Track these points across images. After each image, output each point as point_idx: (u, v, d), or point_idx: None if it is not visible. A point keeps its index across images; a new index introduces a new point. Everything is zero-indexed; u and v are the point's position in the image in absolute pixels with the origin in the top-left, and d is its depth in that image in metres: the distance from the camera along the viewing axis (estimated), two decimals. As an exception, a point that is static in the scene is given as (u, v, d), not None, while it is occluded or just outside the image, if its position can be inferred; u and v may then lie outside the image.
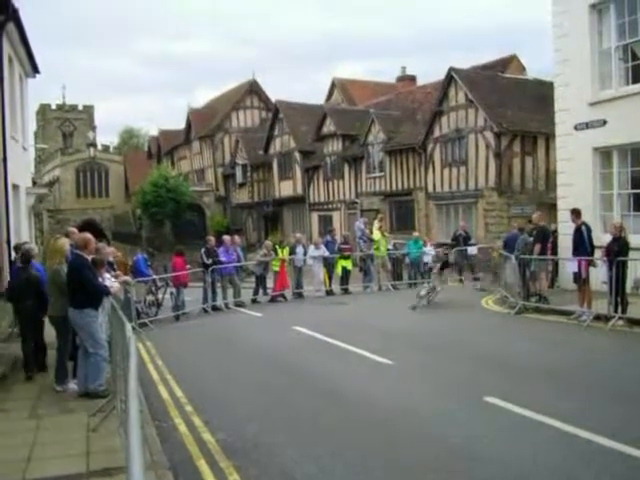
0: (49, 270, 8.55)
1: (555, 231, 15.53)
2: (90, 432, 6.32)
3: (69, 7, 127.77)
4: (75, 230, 10.24)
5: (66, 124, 70.47)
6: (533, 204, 23.83)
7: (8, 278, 13.18)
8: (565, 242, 14.03)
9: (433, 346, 10.76)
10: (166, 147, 56.61)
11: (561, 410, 6.42)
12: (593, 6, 14.72)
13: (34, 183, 26.42)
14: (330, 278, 19.85)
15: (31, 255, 9.52)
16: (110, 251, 12.06)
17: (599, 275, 11.99)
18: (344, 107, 39.03)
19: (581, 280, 12.15)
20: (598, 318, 11.68)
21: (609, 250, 11.50)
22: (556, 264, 15.25)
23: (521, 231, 16.10)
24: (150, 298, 16.35)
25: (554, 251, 14.91)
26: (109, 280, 8.85)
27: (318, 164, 36.22)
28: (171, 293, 16.80)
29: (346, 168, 33.88)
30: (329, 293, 19.39)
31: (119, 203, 56.62)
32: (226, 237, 18.82)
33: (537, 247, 13.58)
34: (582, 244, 12.14)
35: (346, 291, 19.65)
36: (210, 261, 16.86)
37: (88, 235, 8.21)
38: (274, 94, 48.03)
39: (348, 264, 19.86)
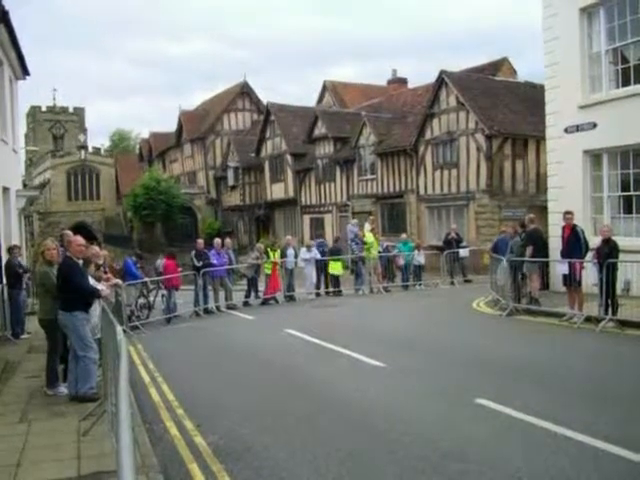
0: (38, 272, 8.50)
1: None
2: (81, 436, 6.29)
3: (60, 9, 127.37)
4: (70, 232, 10.21)
5: (57, 126, 70.21)
6: (524, 207, 23.94)
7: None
8: (555, 244, 14.07)
9: (425, 348, 10.77)
10: (157, 150, 56.52)
11: (552, 412, 6.44)
12: (583, 10, 14.80)
13: (24, 185, 26.35)
14: (320, 281, 19.88)
15: None
16: (103, 254, 12.02)
17: (590, 277, 12.05)
18: (335, 110, 39.06)
19: (575, 282, 12.19)
20: (589, 320, 11.74)
21: (599, 252, 11.55)
22: (546, 265, 15.24)
23: (515, 234, 16.10)
24: (141, 301, 16.29)
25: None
26: (100, 284, 8.80)
27: (310, 166, 36.24)
28: (162, 296, 16.75)
29: (338, 170, 33.91)
30: (319, 295, 19.38)
31: (110, 206, 56.47)
32: (217, 240, 18.78)
33: (529, 249, 13.61)
34: (577, 246, 12.18)
35: (338, 293, 19.67)
36: (201, 264, 16.83)
37: (73, 237, 8.17)
38: (266, 96, 48.20)
39: (335, 267, 19.82)
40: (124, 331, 7.34)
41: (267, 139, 39.59)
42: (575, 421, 6.11)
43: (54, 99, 71.18)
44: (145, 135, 65.33)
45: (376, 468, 5.37)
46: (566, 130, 15.43)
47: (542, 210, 18.03)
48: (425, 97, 29.72)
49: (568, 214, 12.60)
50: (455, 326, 13.02)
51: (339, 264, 19.95)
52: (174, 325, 15.72)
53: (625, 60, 14.27)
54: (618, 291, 11.76)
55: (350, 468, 5.39)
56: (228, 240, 20.17)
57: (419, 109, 29.77)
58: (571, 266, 12.23)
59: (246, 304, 18.35)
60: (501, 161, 25.03)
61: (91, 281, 8.17)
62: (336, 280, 19.97)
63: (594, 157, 15.05)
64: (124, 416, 3.29)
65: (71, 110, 71.81)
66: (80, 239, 8.11)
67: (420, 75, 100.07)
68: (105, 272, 10.97)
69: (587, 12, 14.83)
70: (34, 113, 68.93)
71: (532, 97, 25.08)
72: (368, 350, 10.06)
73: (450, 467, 5.27)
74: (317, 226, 35.27)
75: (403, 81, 42.19)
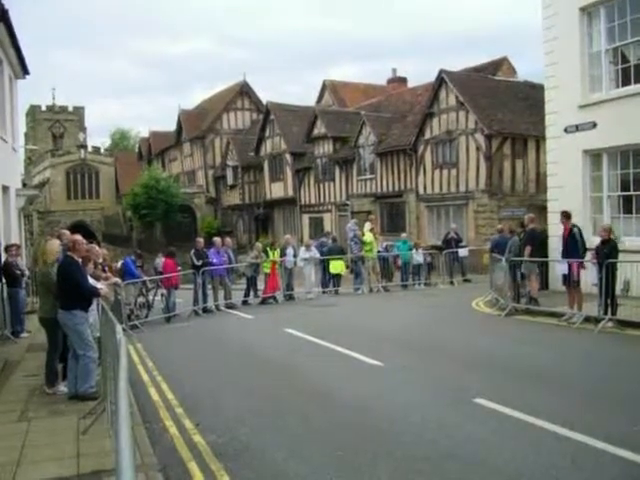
0: (39, 272, 8.50)
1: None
2: (80, 435, 6.29)
3: (60, 8, 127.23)
4: (67, 232, 10.20)
5: (56, 125, 70.17)
6: (523, 206, 23.95)
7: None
8: (555, 244, 14.08)
9: (424, 348, 10.77)
10: (157, 149, 56.49)
11: (552, 411, 6.45)
12: (583, 9, 14.80)
13: (24, 185, 26.32)
14: (325, 280, 19.93)
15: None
16: (103, 253, 12.04)
17: (589, 277, 12.05)
18: (335, 109, 39.05)
19: (574, 282, 12.19)
20: (588, 320, 11.74)
21: (599, 252, 11.55)
22: (545, 265, 15.24)
23: (512, 233, 16.14)
24: (141, 300, 16.27)
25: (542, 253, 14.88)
26: (99, 283, 8.80)
27: (309, 166, 36.24)
28: (162, 295, 16.73)
29: (337, 170, 33.90)
30: (319, 294, 19.39)
31: (109, 205, 56.38)
32: (216, 239, 18.75)
33: (527, 249, 13.61)
34: (575, 247, 12.18)
35: (337, 293, 19.68)
36: (200, 263, 16.81)
37: (76, 237, 8.17)
38: (266, 96, 48.11)
39: (335, 266, 19.87)
40: (123, 330, 7.33)
41: (266, 138, 39.57)
42: (575, 421, 6.11)
43: (53, 98, 71.21)
44: (145, 134, 65.30)
45: (375, 468, 5.36)
46: (566, 130, 15.42)
47: (542, 210, 18.04)
48: (425, 96, 29.71)
49: (563, 214, 12.57)
50: (454, 326, 13.02)
51: (340, 263, 19.96)
52: (173, 324, 15.71)
53: (625, 60, 14.26)
54: (617, 291, 11.76)
55: (348, 468, 5.39)
56: (228, 239, 20.17)
57: (419, 108, 29.76)
58: (570, 266, 12.23)
59: (245, 303, 18.34)
60: (500, 161, 25.01)
61: (90, 280, 8.18)
62: (336, 279, 19.98)
63: (594, 157, 15.04)
64: (123, 415, 3.29)
65: (71, 109, 71.77)
66: (81, 239, 8.12)
67: (420, 74, 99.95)
68: (104, 271, 10.99)
69: (587, 12, 14.82)
70: (34, 112, 68.89)
71: (532, 96, 25.09)
72: (367, 349, 10.07)
73: (449, 467, 5.27)
74: (316, 225, 35.26)
75: (403, 80, 42.19)
